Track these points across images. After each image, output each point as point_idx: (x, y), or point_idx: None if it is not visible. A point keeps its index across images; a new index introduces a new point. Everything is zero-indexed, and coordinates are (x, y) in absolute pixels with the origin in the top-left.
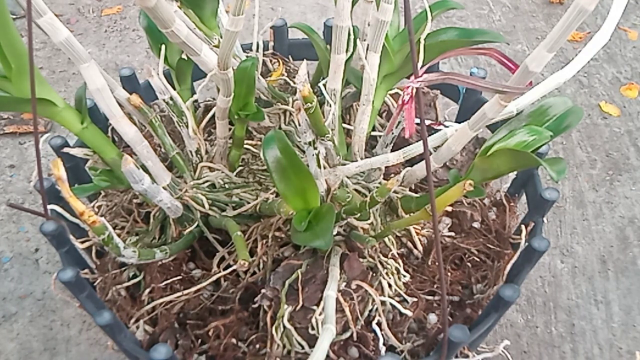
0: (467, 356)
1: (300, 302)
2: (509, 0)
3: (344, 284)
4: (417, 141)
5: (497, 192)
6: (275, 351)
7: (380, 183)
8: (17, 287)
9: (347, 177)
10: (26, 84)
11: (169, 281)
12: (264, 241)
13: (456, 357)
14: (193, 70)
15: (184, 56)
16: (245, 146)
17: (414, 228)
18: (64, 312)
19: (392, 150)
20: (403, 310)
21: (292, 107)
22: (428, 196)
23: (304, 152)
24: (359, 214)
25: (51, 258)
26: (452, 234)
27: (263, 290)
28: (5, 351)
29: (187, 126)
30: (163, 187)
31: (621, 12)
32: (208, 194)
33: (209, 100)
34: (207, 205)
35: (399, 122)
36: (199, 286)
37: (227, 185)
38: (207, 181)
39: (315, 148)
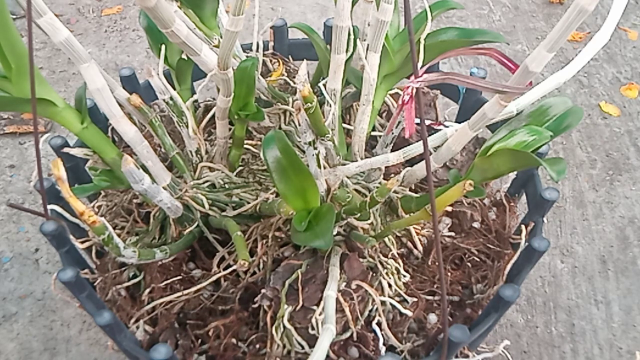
0: (467, 356)
1: (300, 302)
2: (509, 0)
3: (344, 284)
4: (417, 141)
5: (497, 192)
6: (275, 351)
7: (380, 183)
8: (17, 287)
9: (347, 177)
10: (26, 84)
11: (169, 281)
12: (264, 241)
13: (456, 357)
14: (193, 70)
15: (184, 56)
16: (245, 146)
17: (414, 228)
18: (64, 312)
19: (392, 150)
20: (403, 310)
21: (292, 107)
22: (428, 196)
23: (304, 152)
24: (359, 214)
25: (51, 258)
26: (452, 234)
27: (263, 290)
28: (6, 351)
29: (187, 126)
30: (163, 187)
31: (621, 12)
32: (208, 194)
33: (209, 100)
34: (207, 205)
35: (399, 122)
36: (199, 286)
37: (227, 185)
38: (207, 181)
39: (315, 148)
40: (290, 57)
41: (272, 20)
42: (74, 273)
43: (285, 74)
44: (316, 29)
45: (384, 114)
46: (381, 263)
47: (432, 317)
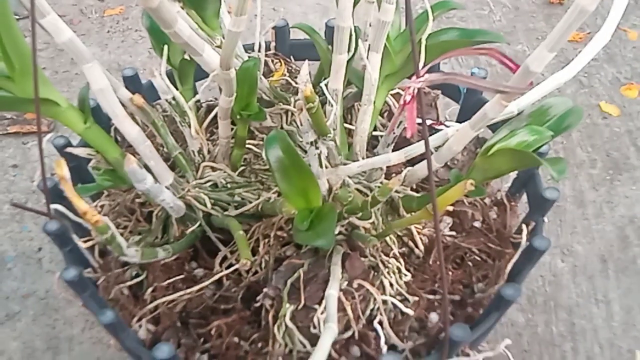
0: (468, 355)
1: (302, 301)
2: (509, 1)
3: (346, 283)
4: (418, 141)
5: (498, 191)
6: (277, 350)
7: (381, 183)
8: (20, 286)
9: (349, 177)
10: (29, 84)
11: (171, 280)
12: (266, 240)
13: (457, 356)
14: (195, 70)
15: (186, 56)
16: (248, 146)
17: (415, 227)
18: (67, 311)
19: (393, 150)
20: (404, 309)
21: (294, 107)
22: (429, 196)
23: (305, 151)
24: (360, 214)
25: (54, 257)
26: (453, 233)
27: (265, 290)
28: (8, 350)
29: (189, 126)
30: (165, 187)
31: (621, 13)
32: (210, 194)
33: (211, 100)
34: (209, 205)
35: (400, 122)
36: (201, 285)
37: (229, 185)
38: (209, 181)
39: (317, 148)
40: (292, 57)
41: (274, 20)
42: (77, 272)
43: (287, 74)
44: (318, 29)
45: (385, 114)
46: (382, 262)
47: (433, 316)
